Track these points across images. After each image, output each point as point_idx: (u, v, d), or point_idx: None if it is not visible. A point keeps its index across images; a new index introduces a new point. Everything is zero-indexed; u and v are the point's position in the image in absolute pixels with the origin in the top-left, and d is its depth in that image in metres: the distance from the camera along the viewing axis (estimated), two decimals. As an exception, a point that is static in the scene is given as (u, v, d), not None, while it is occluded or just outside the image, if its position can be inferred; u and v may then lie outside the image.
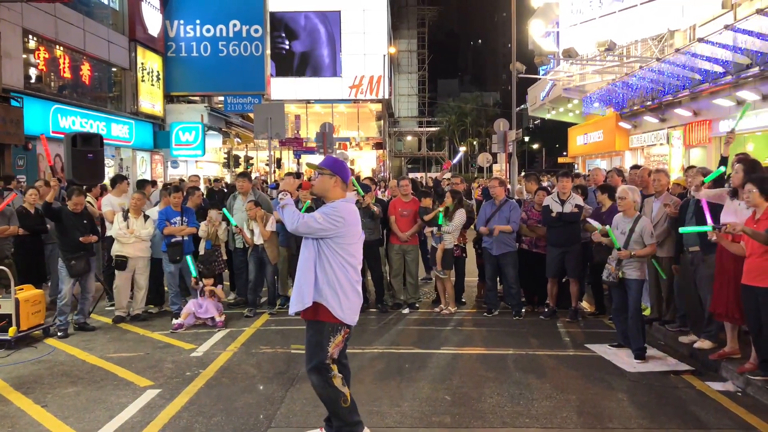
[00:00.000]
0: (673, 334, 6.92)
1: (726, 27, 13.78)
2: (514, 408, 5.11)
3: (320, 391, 4.21)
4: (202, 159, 25.76)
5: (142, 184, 10.21)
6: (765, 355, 5.24)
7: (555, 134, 51.56)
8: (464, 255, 8.62)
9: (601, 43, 18.13)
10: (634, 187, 6.84)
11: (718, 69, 15.63)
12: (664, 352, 6.57)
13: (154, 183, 13.69)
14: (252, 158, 32.39)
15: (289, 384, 5.74)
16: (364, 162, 41.52)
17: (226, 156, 30.44)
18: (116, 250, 8.25)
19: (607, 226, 6.62)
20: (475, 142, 55.70)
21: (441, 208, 8.36)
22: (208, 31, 25.40)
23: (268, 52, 26.38)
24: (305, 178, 11.17)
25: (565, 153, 46.39)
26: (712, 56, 15.17)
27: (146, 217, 8.43)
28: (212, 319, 7.97)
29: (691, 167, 7.44)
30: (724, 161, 6.36)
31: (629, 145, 22.99)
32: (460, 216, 8.48)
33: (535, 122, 48.43)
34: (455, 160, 14.41)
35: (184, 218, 8.36)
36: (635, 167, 8.59)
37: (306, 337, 4.26)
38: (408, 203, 8.75)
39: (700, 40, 14.84)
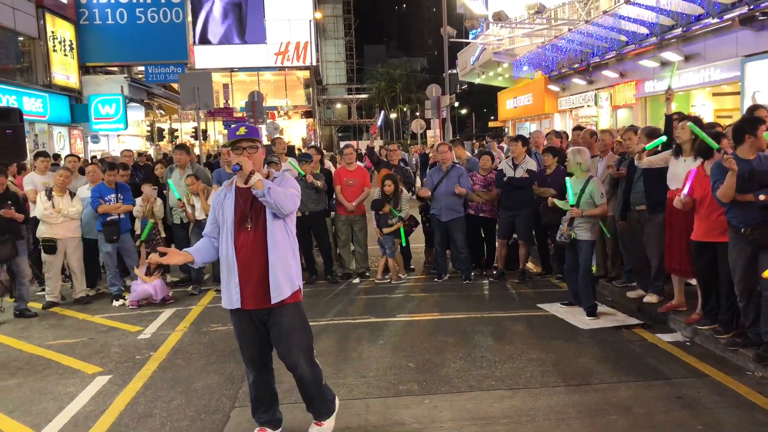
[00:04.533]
0: (619, 290, 7.15)
1: (651, -12, 14.19)
2: (479, 371, 5.14)
3: (308, 376, 3.88)
4: (124, 133, 24.56)
5: (41, 157, 9.16)
6: (713, 306, 5.45)
7: (483, 99, 52.24)
8: (414, 228, 8.58)
9: (531, 5, 18.36)
10: (585, 149, 6.89)
11: (644, 30, 16.13)
12: (613, 308, 6.77)
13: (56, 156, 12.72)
14: (177, 130, 31.18)
15: (247, 362, 5.56)
16: (294, 131, 40.76)
17: (149, 129, 29.14)
18: (43, 232, 7.69)
19: (567, 179, 6.64)
20: (405, 109, 55.66)
21: (400, 225, 8.19)
22: (124, -4, 24.00)
23: (190, 18, 25.25)
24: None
25: (493, 117, 47.17)
26: (638, 18, 15.62)
27: (72, 195, 7.91)
28: (165, 297, 7.74)
29: (631, 127, 7.58)
30: (668, 120, 6.48)
31: (558, 107, 23.53)
32: (405, 196, 8.40)
33: (463, 87, 48.74)
34: (379, 122, 14.36)
35: (119, 195, 7.89)
36: (578, 128, 8.73)
37: (288, 323, 3.78)
38: (353, 172, 8.59)
39: (627, 1, 15.21)
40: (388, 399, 4.68)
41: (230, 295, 3.74)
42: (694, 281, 6.37)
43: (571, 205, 6.38)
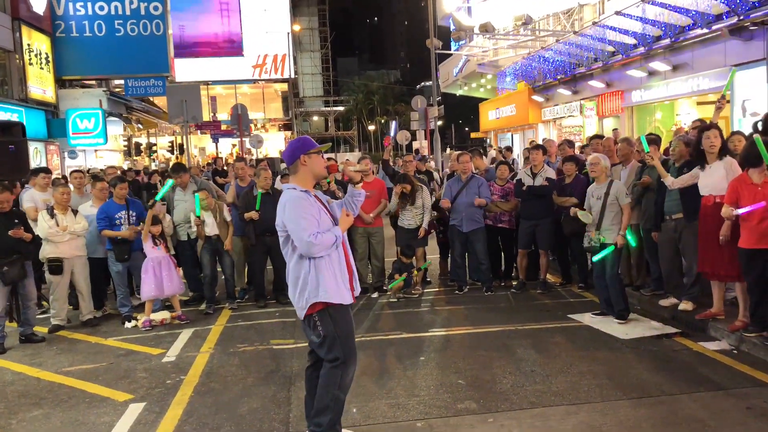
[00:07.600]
0: (648, 298, 7.09)
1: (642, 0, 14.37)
2: (534, 386, 4.98)
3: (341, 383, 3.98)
4: (101, 148, 23.96)
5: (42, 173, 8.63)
6: (764, 313, 5.40)
7: (459, 111, 52.47)
8: (431, 232, 8.48)
9: (518, 17, 18.47)
10: (603, 155, 7.01)
11: (632, 41, 16.35)
12: (645, 317, 6.71)
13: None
14: (155, 145, 30.62)
15: (288, 383, 5.32)
16: (272, 144, 40.39)
17: (126, 143, 28.51)
18: (48, 252, 7.30)
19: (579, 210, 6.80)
20: (383, 120, 55.62)
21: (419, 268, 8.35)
22: (101, 8, 23.45)
23: (171, 31, 24.83)
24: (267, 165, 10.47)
25: (468, 128, 47.48)
26: (626, 29, 15.83)
27: (75, 212, 7.56)
28: (179, 316, 7.49)
29: (625, 139, 7.73)
30: (715, 126, 6.42)
31: (542, 117, 23.70)
32: (426, 192, 8.23)
33: (437, 99, 49.13)
34: (392, 133, 13.53)
35: (131, 212, 7.56)
36: (597, 137, 8.72)
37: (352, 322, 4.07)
38: (370, 183, 8.38)
39: (618, 12, 15.40)
40: (450, 419, 4.49)
41: (348, 290, 3.96)
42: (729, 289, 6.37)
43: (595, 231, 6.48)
